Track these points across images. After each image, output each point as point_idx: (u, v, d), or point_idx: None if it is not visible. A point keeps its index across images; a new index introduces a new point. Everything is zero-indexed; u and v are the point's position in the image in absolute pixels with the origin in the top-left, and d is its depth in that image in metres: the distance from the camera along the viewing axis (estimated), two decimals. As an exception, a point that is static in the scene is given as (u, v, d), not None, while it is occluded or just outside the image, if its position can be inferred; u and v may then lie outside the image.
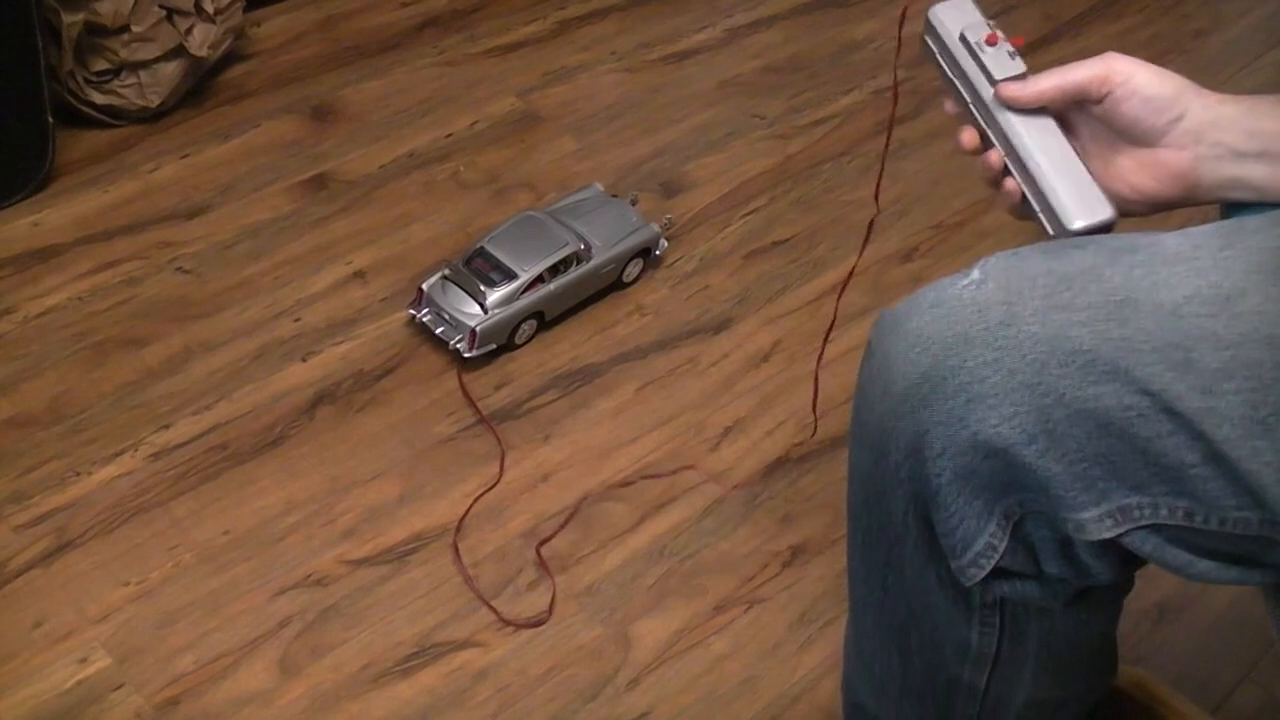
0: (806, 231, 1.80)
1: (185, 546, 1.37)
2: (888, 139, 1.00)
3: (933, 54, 0.96)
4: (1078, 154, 0.91)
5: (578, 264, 1.60)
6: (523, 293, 1.56)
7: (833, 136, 1.96)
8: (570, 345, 1.61)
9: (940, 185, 1.89)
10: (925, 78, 2.23)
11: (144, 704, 1.24)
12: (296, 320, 1.60)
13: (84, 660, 1.27)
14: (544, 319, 1.60)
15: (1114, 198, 0.90)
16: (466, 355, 1.53)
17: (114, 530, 1.37)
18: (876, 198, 1.16)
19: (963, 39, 0.93)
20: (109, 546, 1.36)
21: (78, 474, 1.42)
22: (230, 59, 1.92)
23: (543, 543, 1.40)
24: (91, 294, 1.60)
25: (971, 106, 0.94)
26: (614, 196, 1.72)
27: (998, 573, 0.85)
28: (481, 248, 1.58)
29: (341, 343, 1.58)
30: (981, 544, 0.84)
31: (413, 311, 1.57)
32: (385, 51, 2.00)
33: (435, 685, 1.29)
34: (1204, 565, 0.80)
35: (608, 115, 1.94)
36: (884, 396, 0.84)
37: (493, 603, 1.35)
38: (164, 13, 1.74)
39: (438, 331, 1.55)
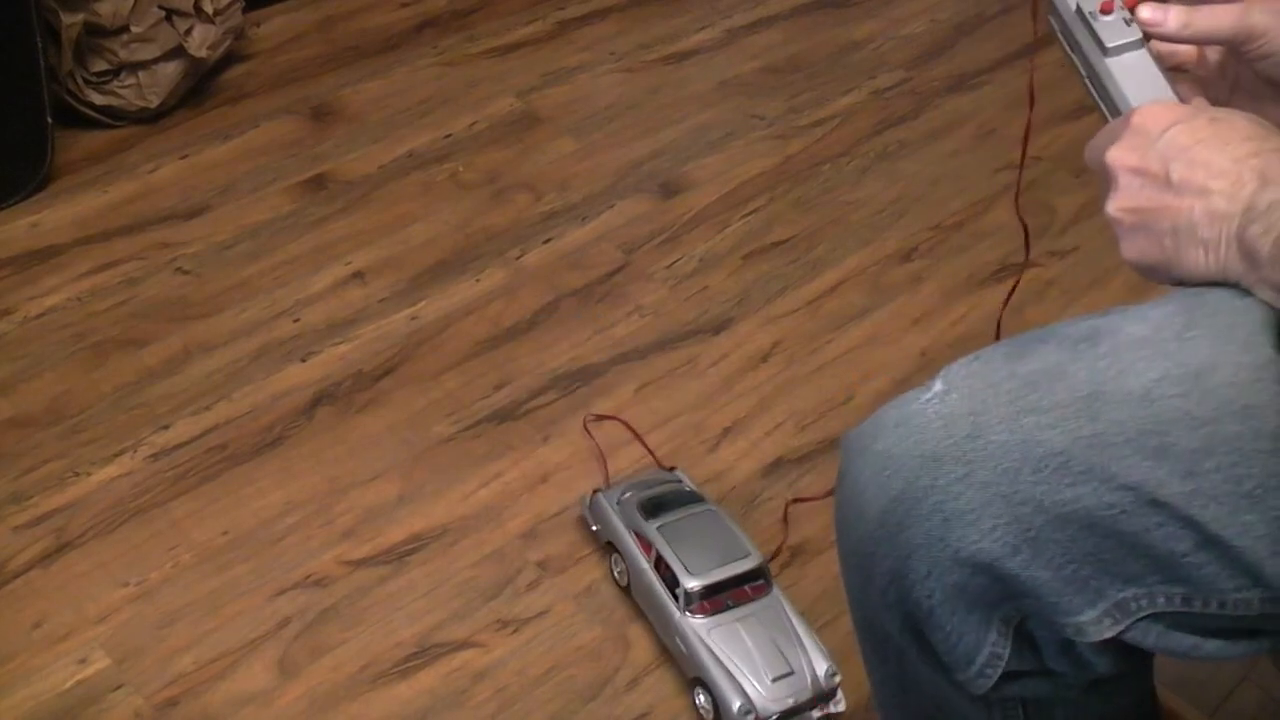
0: (806, 232, 1.80)
1: (185, 547, 1.37)
2: (1026, 134, 0.93)
3: (1055, 33, 0.91)
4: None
5: None
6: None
7: (832, 137, 1.96)
8: (570, 345, 1.61)
9: (939, 185, 1.89)
10: (924, 78, 2.23)
11: (143, 704, 1.24)
12: (296, 320, 1.60)
13: (83, 661, 1.27)
14: None
15: None
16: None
17: (113, 531, 1.37)
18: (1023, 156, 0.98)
19: (1078, 10, 0.88)
20: (108, 547, 1.36)
21: (77, 474, 1.42)
22: (230, 59, 1.92)
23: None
24: (91, 294, 1.60)
25: (1087, 81, 0.89)
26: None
27: (1006, 675, 0.83)
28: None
29: (340, 343, 1.58)
30: (985, 655, 0.82)
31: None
32: (385, 52, 2.00)
33: (435, 686, 1.29)
34: (1212, 645, 0.78)
35: (607, 115, 1.94)
36: (860, 521, 0.82)
37: (491, 604, 1.35)
38: (163, 13, 1.74)
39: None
